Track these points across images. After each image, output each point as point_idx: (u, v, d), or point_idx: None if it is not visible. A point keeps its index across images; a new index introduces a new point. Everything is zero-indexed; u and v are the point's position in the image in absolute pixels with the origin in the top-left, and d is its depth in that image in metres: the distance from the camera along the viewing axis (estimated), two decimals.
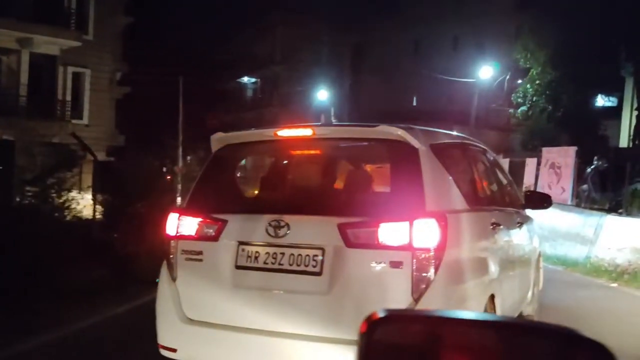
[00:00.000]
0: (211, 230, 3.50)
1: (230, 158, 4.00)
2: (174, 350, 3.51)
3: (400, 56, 33.57)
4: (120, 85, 26.59)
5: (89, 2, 23.03)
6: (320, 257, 3.19)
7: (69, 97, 22.39)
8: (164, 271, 3.66)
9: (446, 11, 30.88)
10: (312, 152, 4.10)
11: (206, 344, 3.43)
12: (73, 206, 10.67)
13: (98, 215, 11.47)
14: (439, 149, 3.56)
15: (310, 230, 3.30)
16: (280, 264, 3.28)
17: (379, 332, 1.22)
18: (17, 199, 10.02)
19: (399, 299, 3.02)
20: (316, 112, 30.65)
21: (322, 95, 28.46)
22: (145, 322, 6.09)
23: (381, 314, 1.23)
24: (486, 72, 26.16)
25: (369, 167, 4.28)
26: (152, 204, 11.00)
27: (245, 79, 46.16)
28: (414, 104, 34.58)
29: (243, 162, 4.38)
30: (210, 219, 3.54)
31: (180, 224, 3.61)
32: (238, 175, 4.31)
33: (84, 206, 11.76)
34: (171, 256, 3.61)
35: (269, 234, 3.30)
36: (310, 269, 3.20)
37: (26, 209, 9.29)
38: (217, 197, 3.82)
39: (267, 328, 3.22)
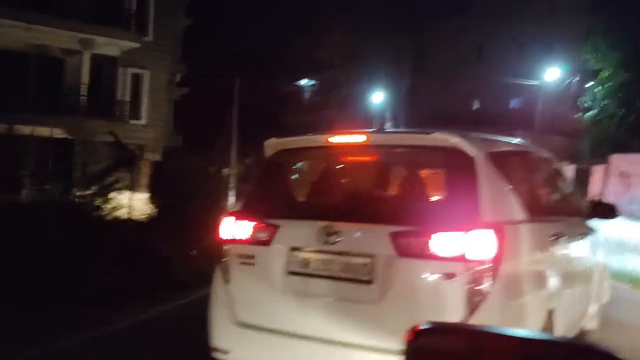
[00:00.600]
0: (264, 235, 3.52)
1: (283, 163, 4.02)
2: (226, 352, 3.55)
3: (461, 58, 32.60)
4: (178, 87, 26.96)
5: (149, 4, 23.40)
6: (371, 266, 3.17)
7: (127, 98, 22.81)
8: (218, 274, 3.71)
9: (512, 12, 29.74)
10: (364, 158, 4.06)
11: (257, 347, 3.47)
12: (118, 206, 10.66)
13: (142, 216, 11.43)
14: (496, 157, 3.45)
15: (361, 238, 3.28)
16: (330, 271, 3.29)
17: (423, 342, 1.28)
18: (74, 197, 10.17)
19: (452, 311, 2.95)
20: (372, 115, 30.14)
21: (378, 98, 27.80)
22: (171, 328, 6.04)
23: (426, 325, 1.30)
24: (553, 74, 24.92)
25: (421, 174, 4.13)
26: (196, 206, 10.91)
27: (304, 82, 46.17)
28: (474, 107, 33.50)
29: (295, 167, 4.40)
30: (263, 223, 3.57)
31: (235, 228, 3.66)
32: (290, 180, 4.35)
33: (129, 206, 11.77)
34: (225, 259, 3.66)
35: (320, 241, 3.29)
36: (360, 277, 3.19)
37: (69, 207, 9.29)
38: (270, 202, 3.86)
39: (316, 334, 3.22)
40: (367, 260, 3.18)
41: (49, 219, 7.65)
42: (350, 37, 37.23)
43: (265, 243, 3.49)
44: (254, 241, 3.56)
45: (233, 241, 3.65)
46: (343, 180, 4.26)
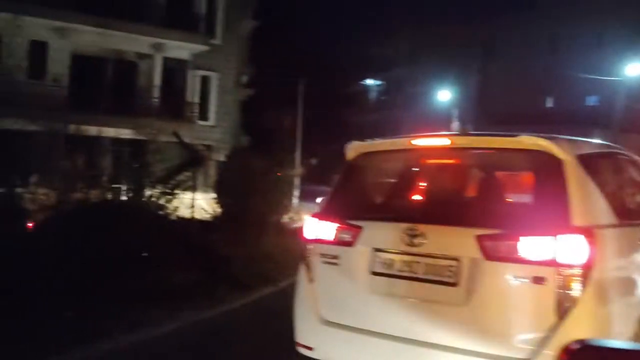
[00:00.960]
0: (347, 236, 3.59)
1: (365, 166, 4.06)
2: (311, 349, 3.63)
3: (534, 54, 31.34)
4: (245, 87, 27.34)
5: (217, 7, 23.86)
6: (456, 268, 3.17)
7: (197, 100, 23.32)
8: (302, 273, 3.80)
9: (589, 2, 28.30)
10: (448, 161, 4.03)
11: (341, 345, 3.52)
12: (183, 205, 10.81)
13: (207, 216, 11.56)
14: (585, 159, 3.39)
15: (446, 241, 3.29)
16: (414, 273, 3.31)
17: None
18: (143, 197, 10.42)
19: (541, 316, 2.92)
20: (439, 114, 29.47)
21: (444, 95, 27.10)
22: (231, 328, 6.02)
23: (578, 345, 1.26)
24: (635, 69, 23.48)
25: (506, 177, 4.21)
26: (258, 206, 10.91)
27: (370, 81, 45.89)
28: (548, 105, 32.13)
29: (377, 170, 4.42)
30: (347, 225, 3.63)
31: (318, 228, 3.75)
32: (372, 183, 4.41)
33: (193, 206, 11.92)
34: (309, 259, 3.74)
35: (404, 243, 3.33)
36: (445, 279, 3.19)
37: (137, 207, 9.48)
38: (352, 203, 3.94)
39: (400, 335, 3.24)
40: (452, 262, 3.19)
41: (117, 219, 7.81)
42: (418, 34, 36.63)
43: (349, 244, 3.56)
44: (337, 242, 3.63)
45: (317, 241, 3.73)
46: (426, 183, 4.24)
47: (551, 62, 30.33)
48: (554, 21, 30.31)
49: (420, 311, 3.23)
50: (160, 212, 9.19)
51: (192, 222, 10.89)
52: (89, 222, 7.36)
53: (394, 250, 3.39)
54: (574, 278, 2.91)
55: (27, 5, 18.56)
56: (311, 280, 3.70)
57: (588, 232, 2.98)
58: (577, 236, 2.96)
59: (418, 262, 3.29)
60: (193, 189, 13.45)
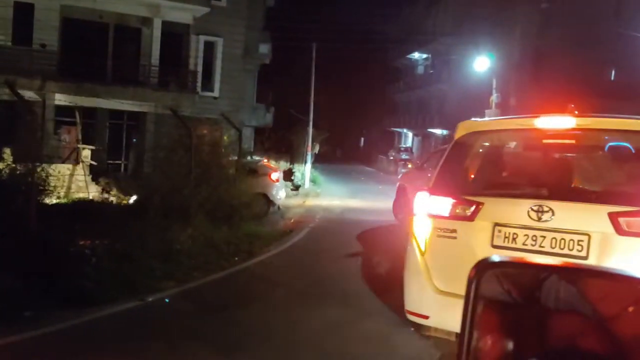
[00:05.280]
0: (466, 211, 3.80)
1: (475, 144, 4.27)
2: (426, 317, 3.84)
3: (595, 16, 27.30)
4: (260, 57, 24.91)
5: None
6: (585, 243, 3.42)
7: (200, 68, 21.12)
8: (412, 245, 4.00)
9: None
10: (571, 141, 4.18)
11: (458, 313, 2.52)
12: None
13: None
14: None
15: (576, 217, 3.50)
16: (541, 246, 3.54)
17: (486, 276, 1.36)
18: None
19: None
20: (481, 86, 26.14)
21: (482, 64, 23.57)
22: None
23: (488, 261, 1.39)
24: None
25: (630, 155, 4.09)
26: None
27: (416, 55, 42.62)
28: (612, 78, 28.07)
29: (488, 148, 4.44)
30: (465, 201, 3.84)
31: (431, 203, 3.96)
32: (485, 160, 4.45)
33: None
34: (420, 231, 3.97)
35: (531, 218, 3.56)
36: (575, 253, 3.44)
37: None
38: (467, 180, 4.24)
39: None
40: (582, 237, 3.43)
41: None
42: (464, 2, 33.21)
43: (469, 219, 3.77)
44: (454, 216, 3.83)
45: (430, 215, 3.93)
46: (548, 162, 4.28)
47: (616, 28, 26.28)
48: None
49: None
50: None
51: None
52: None
53: (517, 225, 3.62)
54: None
55: None
56: (423, 252, 3.91)
57: None
58: None
59: (544, 237, 3.54)
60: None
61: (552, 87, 25.29)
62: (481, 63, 22.10)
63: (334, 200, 18.60)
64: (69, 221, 7.26)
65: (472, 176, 4.23)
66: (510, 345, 1.30)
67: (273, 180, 13.14)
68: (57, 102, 18.57)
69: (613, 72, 28.68)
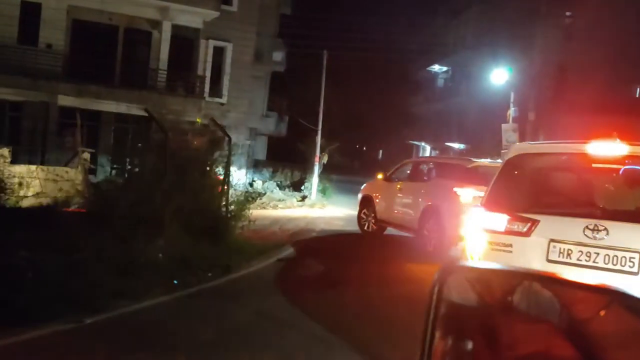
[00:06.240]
0: (522, 227, 4.09)
1: (527, 165, 4.56)
2: None
3: (620, 35, 26.27)
4: (271, 64, 24.41)
5: None
6: (637, 259, 3.74)
7: (208, 73, 20.67)
8: (466, 257, 4.32)
9: None
10: (619, 166, 4.22)
11: None
12: None
13: None
14: None
15: (628, 235, 3.83)
16: (595, 262, 3.84)
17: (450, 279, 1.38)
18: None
19: None
20: (503, 101, 25.27)
21: (499, 77, 22.65)
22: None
23: (450, 266, 1.44)
24: None
25: None
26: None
27: (436, 67, 41.82)
28: (638, 94, 26.97)
29: (539, 169, 4.67)
30: (521, 217, 4.12)
31: (486, 219, 4.27)
32: (537, 180, 4.69)
33: None
34: (475, 245, 4.27)
35: (586, 236, 3.86)
36: (627, 268, 3.76)
37: None
38: (520, 198, 4.44)
39: None
40: (633, 254, 3.76)
41: None
42: (485, 14, 32.42)
43: (525, 234, 4.06)
44: (510, 232, 4.12)
45: (486, 230, 4.22)
46: (599, 185, 4.47)
47: None
48: None
49: None
50: None
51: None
52: None
53: (572, 242, 3.91)
54: None
55: None
56: None
57: None
58: None
59: (597, 253, 3.82)
60: None
61: (572, 102, 24.37)
62: (499, 75, 21.17)
63: (336, 212, 17.94)
64: (18, 229, 6.71)
65: (527, 195, 4.46)
66: (469, 346, 1.34)
67: None
68: (61, 104, 18.28)
69: (638, 90, 27.62)
